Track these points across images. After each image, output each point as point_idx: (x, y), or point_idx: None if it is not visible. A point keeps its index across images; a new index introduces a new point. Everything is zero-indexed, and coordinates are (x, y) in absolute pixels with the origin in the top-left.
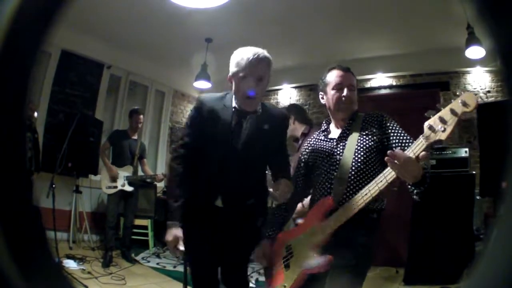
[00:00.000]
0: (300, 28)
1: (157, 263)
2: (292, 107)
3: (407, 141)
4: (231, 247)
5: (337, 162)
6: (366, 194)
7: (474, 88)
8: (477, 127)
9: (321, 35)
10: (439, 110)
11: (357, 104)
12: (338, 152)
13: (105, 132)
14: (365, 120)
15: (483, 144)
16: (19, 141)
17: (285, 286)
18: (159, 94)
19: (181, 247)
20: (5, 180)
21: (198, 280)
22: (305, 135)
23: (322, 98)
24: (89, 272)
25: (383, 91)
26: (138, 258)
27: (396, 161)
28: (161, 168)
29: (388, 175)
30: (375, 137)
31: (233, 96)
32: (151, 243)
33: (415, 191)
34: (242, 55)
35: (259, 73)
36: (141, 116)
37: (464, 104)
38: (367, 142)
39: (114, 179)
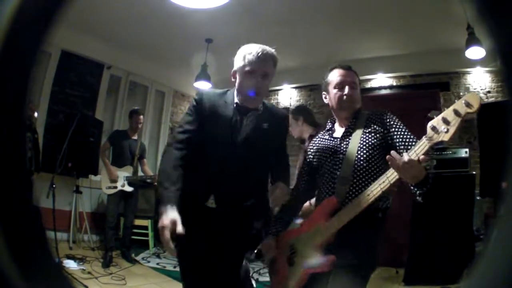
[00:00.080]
0: (300, 29)
1: (157, 263)
2: (301, 108)
3: (411, 140)
4: (224, 251)
5: (340, 160)
6: (368, 195)
7: (474, 89)
8: (477, 128)
9: (321, 35)
10: (442, 111)
11: (361, 102)
12: (341, 150)
13: (105, 132)
14: (369, 118)
15: (483, 144)
16: (19, 141)
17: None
18: (159, 95)
19: (180, 230)
20: (5, 180)
21: (189, 281)
22: (312, 137)
23: (325, 97)
24: (89, 272)
25: (383, 92)
26: (138, 258)
27: (397, 162)
28: None
29: (390, 176)
30: (378, 135)
31: (235, 93)
32: (151, 243)
33: (418, 192)
34: (250, 49)
35: (265, 69)
36: (141, 117)
37: (468, 104)
38: (370, 139)
39: (114, 181)
